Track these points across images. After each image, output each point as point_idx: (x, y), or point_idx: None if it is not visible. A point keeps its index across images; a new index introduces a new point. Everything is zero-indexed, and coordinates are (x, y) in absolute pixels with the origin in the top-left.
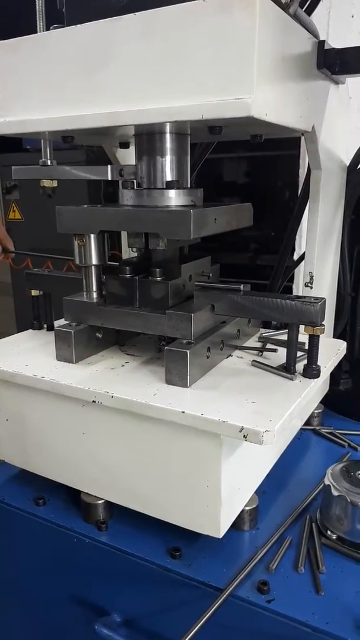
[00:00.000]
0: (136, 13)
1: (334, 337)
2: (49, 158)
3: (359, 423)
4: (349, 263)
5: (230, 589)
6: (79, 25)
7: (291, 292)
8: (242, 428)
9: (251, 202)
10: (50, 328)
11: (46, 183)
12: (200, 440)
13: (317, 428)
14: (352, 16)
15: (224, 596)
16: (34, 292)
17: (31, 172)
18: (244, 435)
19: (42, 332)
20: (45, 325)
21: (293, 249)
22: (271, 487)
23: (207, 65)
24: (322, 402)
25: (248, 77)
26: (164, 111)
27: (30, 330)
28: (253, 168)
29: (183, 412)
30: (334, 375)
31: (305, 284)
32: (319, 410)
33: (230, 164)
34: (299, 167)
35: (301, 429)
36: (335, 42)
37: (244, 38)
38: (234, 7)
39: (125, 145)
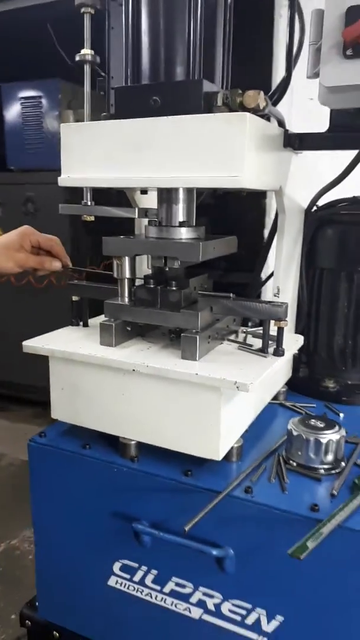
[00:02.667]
0: (168, 117)
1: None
2: (89, 200)
3: (313, 399)
4: (306, 280)
5: (228, 490)
6: (127, 120)
7: None
8: (236, 382)
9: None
10: (85, 324)
11: (88, 218)
12: (206, 393)
13: (283, 402)
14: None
15: (223, 494)
16: (74, 298)
17: (75, 210)
18: (237, 387)
19: (79, 328)
20: (81, 323)
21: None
22: (251, 437)
23: (215, 153)
24: (287, 384)
25: (240, 163)
26: (186, 180)
27: (69, 326)
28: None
29: (196, 374)
30: (295, 366)
31: (274, 294)
32: (284, 389)
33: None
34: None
35: (271, 403)
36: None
37: (238, 139)
38: (232, 121)
39: (145, 192)
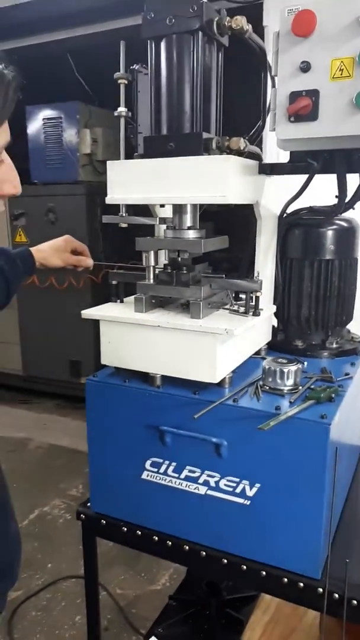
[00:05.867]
0: (179, 157)
1: None
2: (124, 212)
3: (287, 354)
4: (280, 268)
5: (223, 399)
6: (152, 159)
7: None
8: (226, 329)
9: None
10: (121, 301)
11: (123, 225)
12: (208, 338)
13: (264, 356)
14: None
15: (220, 401)
16: (114, 282)
17: (115, 219)
18: (227, 332)
19: (117, 303)
20: (118, 300)
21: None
22: (240, 375)
23: (210, 180)
24: (268, 345)
25: (225, 186)
26: (193, 198)
27: (110, 302)
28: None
29: (200, 325)
30: (274, 332)
31: (255, 277)
32: (265, 347)
33: None
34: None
35: (254, 357)
36: None
37: (223, 171)
38: (220, 161)
39: (163, 206)
